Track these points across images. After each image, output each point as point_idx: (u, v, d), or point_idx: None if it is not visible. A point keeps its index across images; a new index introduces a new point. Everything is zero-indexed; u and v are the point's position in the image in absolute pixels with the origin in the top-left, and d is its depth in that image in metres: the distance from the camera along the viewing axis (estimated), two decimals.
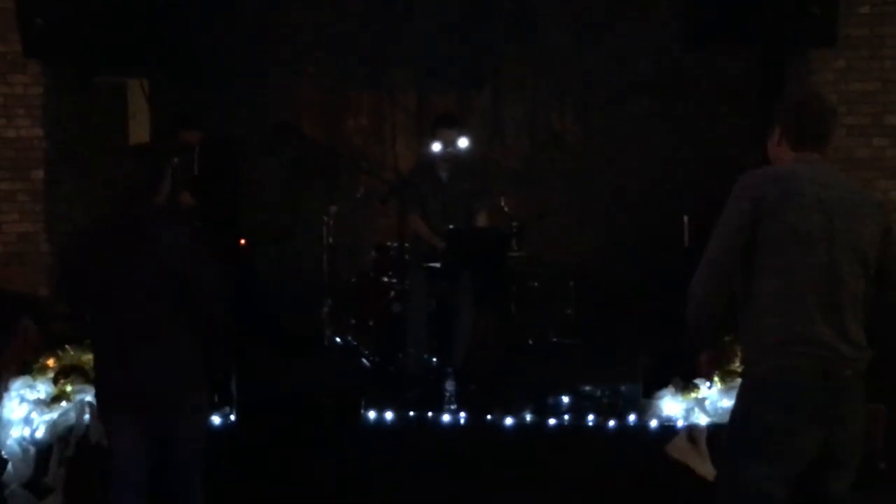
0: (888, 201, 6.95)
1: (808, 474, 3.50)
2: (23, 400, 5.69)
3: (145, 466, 4.34)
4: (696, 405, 5.93)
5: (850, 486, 3.60)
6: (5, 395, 5.68)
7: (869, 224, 3.56)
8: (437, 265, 6.99)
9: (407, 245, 7.30)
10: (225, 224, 7.47)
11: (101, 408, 4.48)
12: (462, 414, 6.22)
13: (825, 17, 6.65)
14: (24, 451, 5.55)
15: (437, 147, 6.94)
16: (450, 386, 6.43)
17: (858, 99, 6.97)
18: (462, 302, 7.02)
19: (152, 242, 4.17)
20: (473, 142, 7.29)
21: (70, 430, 5.59)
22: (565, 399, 6.29)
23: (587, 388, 6.35)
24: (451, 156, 6.99)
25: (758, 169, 3.68)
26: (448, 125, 7.05)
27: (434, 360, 7.17)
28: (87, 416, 5.59)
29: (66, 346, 5.96)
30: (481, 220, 7.13)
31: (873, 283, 3.58)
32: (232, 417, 6.12)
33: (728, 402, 5.44)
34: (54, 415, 5.58)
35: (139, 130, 8.67)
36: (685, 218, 7.51)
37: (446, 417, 6.20)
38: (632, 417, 6.13)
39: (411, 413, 6.25)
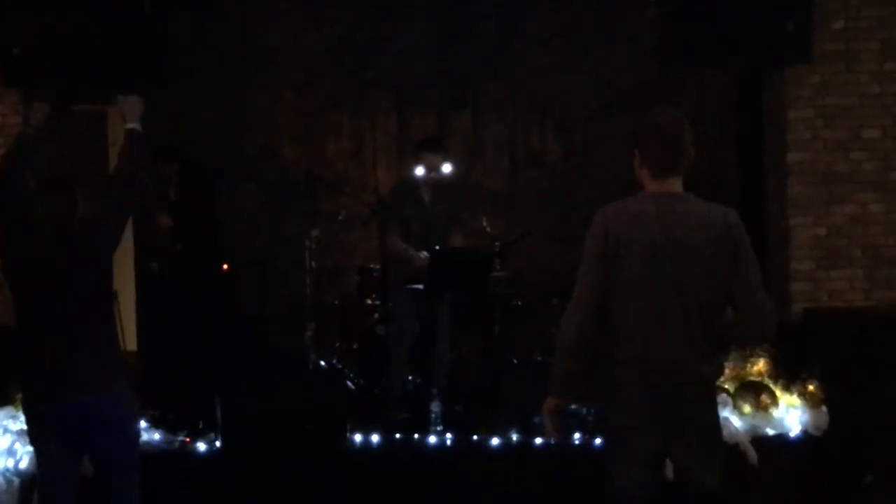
0: (866, 214, 7.01)
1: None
2: (6, 431, 5.65)
3: (73, 487, 4.44)
4: None
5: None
6: None
7: (724, 256, 3.70)
8: (420, 286, 7.00)
9: (389, 266, 7.30)
10: (206, 249, 7.47)
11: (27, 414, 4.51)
12: (448, 435, 6.22)
13: (800, 33, 6.72)
14: (9, 482, 5.52)
15: (420, 171, 6.94)
16: (435, 407, 6.43)
17: (835, 113, 7.02)
18: (439, 324, 7.02)
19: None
20: (455, 164, 7.32)
21: None
22: None
23: (572, 406, 6.34)
24: (434, 180, 7.00)
25: (608, 208, 3.83)
26: (433, 150, 7.03)
27: (419, 381, 7.17)
28: None
29: None
30: (456, 242, 7.15)
31: (722, 307, 3.76)
32: (217, 443, 6.10)
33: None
34: None
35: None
36: None
37: (432, 439, 6.20)
38: None
39: (397, 435, 6.24)
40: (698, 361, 3.74)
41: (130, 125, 4.69)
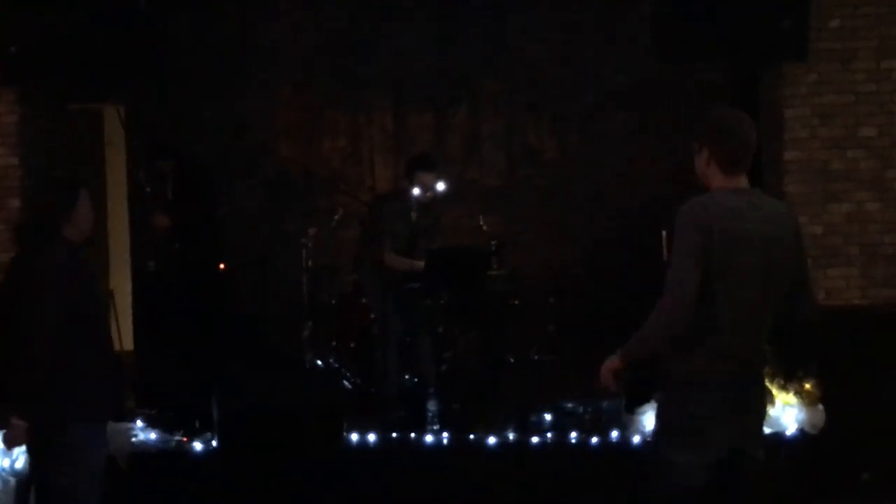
0: (863, 212, 7.01)
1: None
2: None
3: None
4: None
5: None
6: None
7: (793, 249, 3.86)
8: (417, 285, 7.01)
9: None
10: (204, 248, 7.44)
11: None
12: (445, 434, 6.23)
13: (796, 31, 6.72)
14: (5, 482, 5.52)
15: (416, 192, 6.96)
16: (432, 406, 6.45)
17: (832, 111, 7.02)
18: (420, 323, 7.05)
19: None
20: (449, 164, 7.37)
21: None
22: (548, 416, 6.30)
23: (569, 404, 6.35)
24: (429, 199, 7.04)
25: (697, 201, 3.79)
26: (426, 168, 7.07)
27: (415, 380, 7.18)
28: None
29: None
30: None
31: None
32: (214, 442, 6.11)
33: None
34: None
35: (116, 157, 8.67)
36: (664, 232, 7.53)
37: (429, 438, 6.20)
38: (614, 433, 6.15)
39: (394, 434, 6.25)
40: (763, 350, 3.91)
41: None
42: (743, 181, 3.85)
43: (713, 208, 3.75)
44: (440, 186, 7.07)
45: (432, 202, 7.19)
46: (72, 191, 4.36)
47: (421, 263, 6.92)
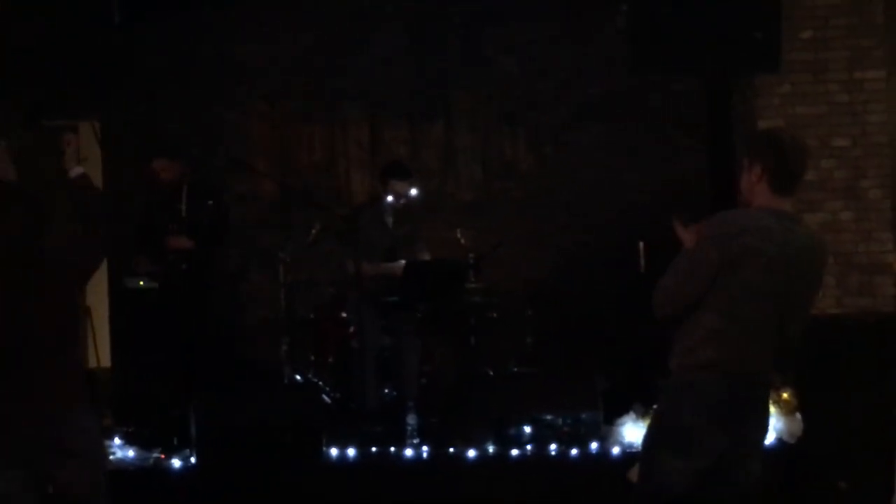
0: (837, 222, 7.07)
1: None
2: None
3: None
4: None
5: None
6: None
7: (815, 279, 3.96)
8: (395, 299, 7.01)
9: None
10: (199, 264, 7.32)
11: None
12: (424, 448, 6.22)
13: (769, 43, 6.76)
14: None
15: (389, 199, 7.01)
16: (411, 419, 6.44)
17: (805, 122, 7.08)
18: (406, 337, 7.04)
19: None
20: (421, 185, 7.39)
21: None
22: (527, 429, 6.30)
23: (548, 417, 6.35)
24: (402, 206, 7.07)
25: (731, 215, 3.91)
26: (400, 177, 7.13)
27: (394, 394, 7.17)
28: None
29: None
30: (423, 258, 7.28)
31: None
32: (192, 459, 6.08)
33: None
34: None
35: (91, 174, 8.56)
36: (640, 243, 7.57)
37: (409, 452, 6.19)
38: (594, 445, 6.17)
39: (373, 448, 6.24)
40: (770, 368, 3.95)
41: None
42: (787, 204, 3.88)
43: (741, 223, 3.80)
44: (413, 192, 7.13)
45: (408, 209, 7.21)
46: None
47: (397, 265, 6.93)
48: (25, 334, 4.04)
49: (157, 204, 7.14)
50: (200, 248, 7.06)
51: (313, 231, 7.81)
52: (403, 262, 7.00)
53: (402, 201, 7.10)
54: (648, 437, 4.06)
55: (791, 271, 3.79)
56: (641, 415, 6.24)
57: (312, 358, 7.57)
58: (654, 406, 5.88)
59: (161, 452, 6.22)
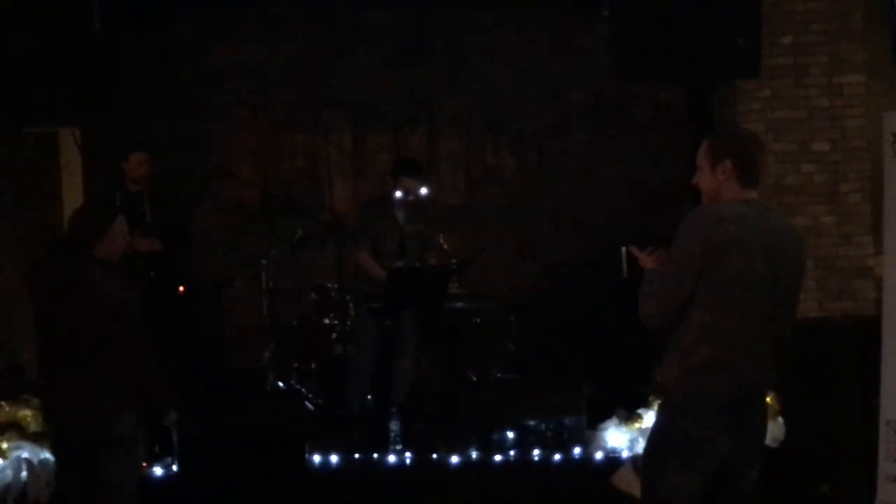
0: (818, 226, 7.09)
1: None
2: None
3: None
4: (640, 435, 5.98)
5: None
6: None
7: (798, 266, 3.94)
8: (378, 305, 7.00)
9: (346, 285, 7.30)
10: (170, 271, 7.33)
11: None
12: (408, 454, 6.21)
13: (749, 48, 6.78)
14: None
15: (399, 194, 7.02)
16: (394, 426, 6.43)
17: (785, 126, 7.09)
18: (405, 341, 7.03)
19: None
20: (431, 185, 7.43)
21: (7, 487, 5.49)
22: (510, 434, 6.30)
23: (531, 422, 6.36)
24: (411, 203, 7.08)
25: (703, 209, 3.88)
26: (412, 174, 7.16)
27: (378, 400, 7.15)
28: (24, 474, 5.49)
29: (2, 403, 5.86)
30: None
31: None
32: (174, 467, 6.05)
33: None
34: None
35: (72, 181, 8.55)
36: (623, 249, 7.56)
37: (392, 458, 6.19)
38: (577, 450, 6.18)
39: (357, 455, 6.23)
40: (770, 370, 3.93)
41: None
42: (754, 195, 3.91)
43: (715, 215, 3.80)
44: (423, 191, 7.16)
45: (419, 208, 7.22)
46: (107, 214, 4.85)
47: (382, 270, 6.93)
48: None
49: (122, 207, 7.17)
50: (166, 254, 7.08)
51: (296, 238, 7.82)
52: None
53: (412, 198, 7.12)
54: (651, 453, 3.97)
55: (776, 254, 3.78)
56: (624, 419, 6.25)
57: (295, 365, 7.56)
58: (640, 412, 5.98)
59: (143, 461, 6.18)
